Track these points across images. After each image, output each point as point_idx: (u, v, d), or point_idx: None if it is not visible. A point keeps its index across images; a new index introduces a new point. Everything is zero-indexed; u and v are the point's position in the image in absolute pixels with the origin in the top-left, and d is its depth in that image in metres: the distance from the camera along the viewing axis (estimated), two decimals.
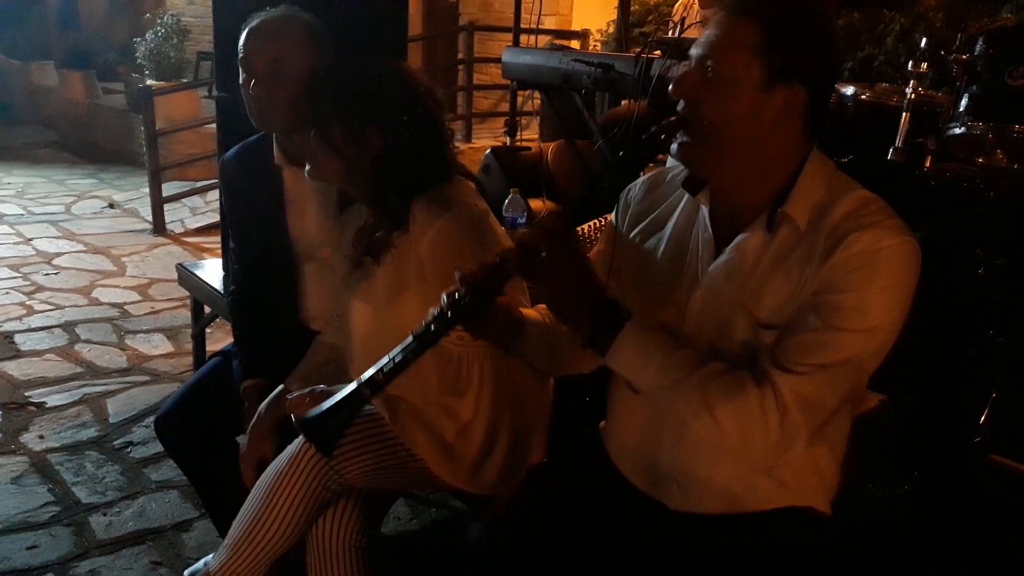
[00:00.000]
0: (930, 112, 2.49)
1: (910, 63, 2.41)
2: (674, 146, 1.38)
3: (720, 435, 1.31)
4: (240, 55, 2.00)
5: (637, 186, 1.60)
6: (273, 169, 2.13)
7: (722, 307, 1.39)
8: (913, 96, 2.37)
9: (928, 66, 2.39)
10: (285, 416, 1.91)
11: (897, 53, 4.12)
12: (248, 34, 2.00)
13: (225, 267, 3.19)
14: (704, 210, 1.46)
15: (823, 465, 1.46)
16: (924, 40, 2.44)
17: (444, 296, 1.36)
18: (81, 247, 6.00)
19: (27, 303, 4.72)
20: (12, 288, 4.96)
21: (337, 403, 1.37)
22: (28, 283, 5.09)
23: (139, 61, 9.40)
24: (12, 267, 5.38)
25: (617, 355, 1.35)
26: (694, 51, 1.37)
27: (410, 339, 1.37)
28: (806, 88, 1.32)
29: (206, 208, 6.87)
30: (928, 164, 2.35)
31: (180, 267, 3.50)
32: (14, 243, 6.00)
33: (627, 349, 1.34)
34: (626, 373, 1.38)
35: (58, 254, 5.76)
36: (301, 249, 2.17)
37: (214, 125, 3.51)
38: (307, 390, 1.89)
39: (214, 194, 6.71)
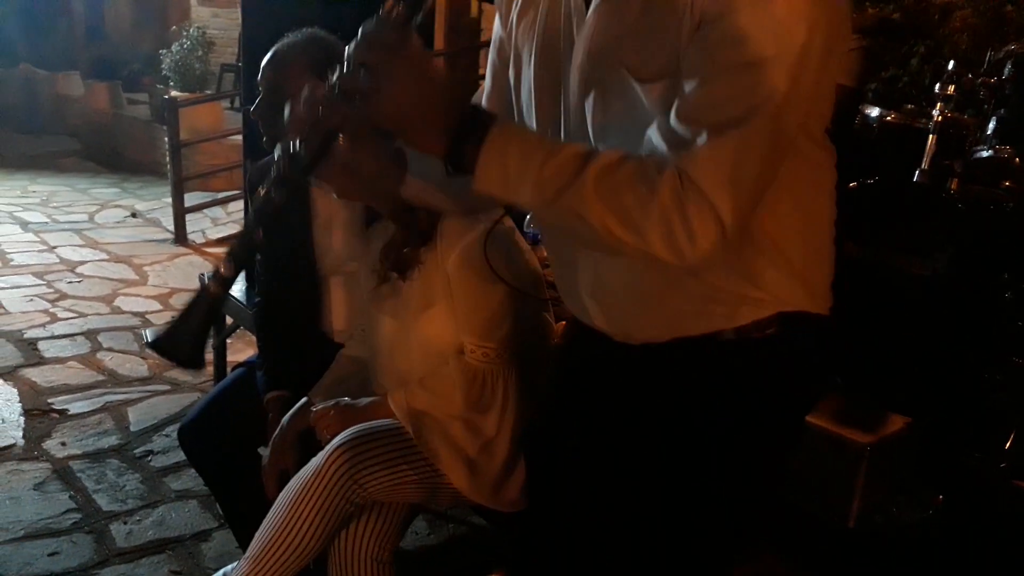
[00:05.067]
0: (956, 135, 2.48)
1: (937, 85, 2.41)
2: None
3: (644, 243, 1.03)
4: None
5: None
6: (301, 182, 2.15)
7: (597, 75, 1.16)
8: (940, 118, 2.37)
9: (955, 88, 2.39)
10: (308, 429, 1.93)
11: (922, 75, 4.12)
12: (264, 61, 2.05)
13: (248, 278, 3.21)
14: None
15: (793, 254, 1.19)
16: (952, 63, 2.44)
17: (277, 154, 1.19)
18: (104, 256, 6.05)
19: (51, 310, 4.76)
20: (36, 295, 5.01)
21: (185, 311, 1.22)
22: (52, 291, 5.13)
23: (164, 72, 9.54)
24: (36, 274, 5.43)
25: (487, 169, 1.06)
26: None
27: (252, 214, 1.28)
28: None
29: (227, 219, 6.92)
30: (954, 187, 2.35)
31: (202, 277, 3.53)
32: (39, 251, 6.05)
33: (497, 157, 1.05)
34: (500, 190, 1.08)
35: (81, 262, 5.81)
36: (327, 263, 2.19)
37: (237, 137, 3.56)
38: (331, 403, 1.90)
39: (235, 205, 6.77)
